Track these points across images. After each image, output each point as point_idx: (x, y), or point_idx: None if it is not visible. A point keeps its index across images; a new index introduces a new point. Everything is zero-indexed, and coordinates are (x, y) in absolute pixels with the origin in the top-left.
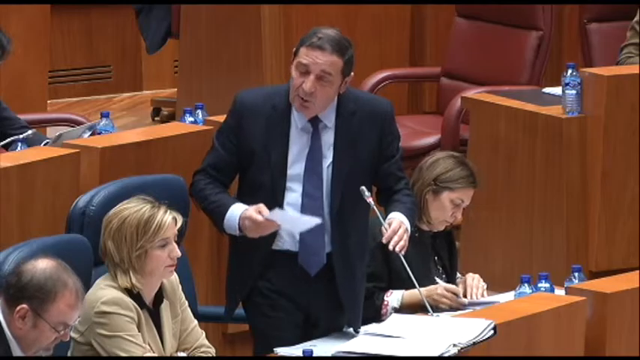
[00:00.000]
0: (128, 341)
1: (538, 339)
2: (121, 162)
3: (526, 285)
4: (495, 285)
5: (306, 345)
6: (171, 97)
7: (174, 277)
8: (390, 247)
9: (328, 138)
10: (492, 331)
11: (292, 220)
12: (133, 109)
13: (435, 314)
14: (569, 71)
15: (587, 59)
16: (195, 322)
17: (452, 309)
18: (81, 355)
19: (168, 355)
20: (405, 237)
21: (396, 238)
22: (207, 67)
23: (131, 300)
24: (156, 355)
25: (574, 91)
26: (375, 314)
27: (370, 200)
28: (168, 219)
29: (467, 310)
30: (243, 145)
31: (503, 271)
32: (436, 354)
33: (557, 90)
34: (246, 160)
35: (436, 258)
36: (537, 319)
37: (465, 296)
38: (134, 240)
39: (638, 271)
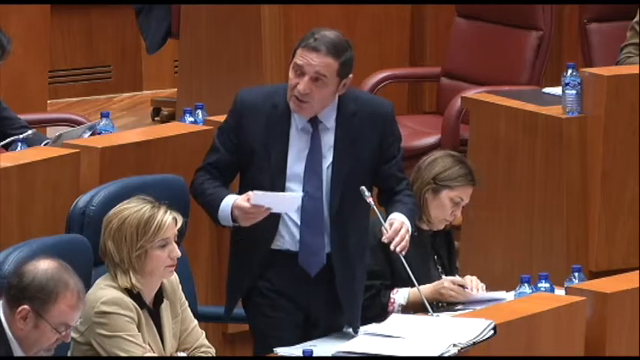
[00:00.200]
0: (128, 341)
1: (538, 339)
2: (121, 162)
3: (526, 285)
4: (495, 285)
5: (306, 345)
6: (171, 97)
7: (175, 277)
8: (392, 247)
9: (328, 139)
10: (492, 331)
11: (276, 199)
12: (133, 109)
13: (435, 314)
14: (569, 71)
15: (587, 59)
16: (196, 322)
17: (459, 303)
18: (81, 355)
19: (168, 355)
20: (407, 238)
21: (397, 239)
22: (207, 67)
23: (131, 300)
24: (156, 355)
25: (574, 91)
26: (382, 312)
27: (370, 200)
28: (169, 219)
29: (467, 310)
30: (243, 144)
31: (503, 271)
32: (436, 354)
33: (557, 90)
34: (246, 159)
35: (435, 257)
36: (537, 319)
37: None
38: (134, 240)
39: (638, 271)
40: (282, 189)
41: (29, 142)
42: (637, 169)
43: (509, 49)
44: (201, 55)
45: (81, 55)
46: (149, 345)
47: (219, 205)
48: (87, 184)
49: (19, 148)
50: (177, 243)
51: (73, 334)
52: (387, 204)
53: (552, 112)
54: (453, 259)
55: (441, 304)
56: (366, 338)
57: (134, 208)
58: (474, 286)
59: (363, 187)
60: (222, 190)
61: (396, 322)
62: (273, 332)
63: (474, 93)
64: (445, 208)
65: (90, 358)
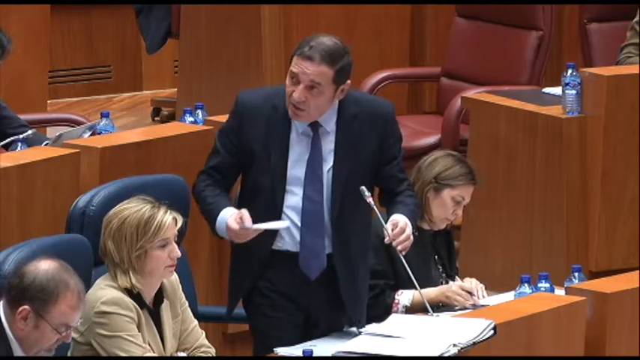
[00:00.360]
0: (128, 341)
1: (538, 339)
2: (121, 162)
3: (526, 285)
4: (495, 285)
5: (306, 345)
6: (171, 97)
7: (175, 277)
8: (395, 244)
9: (329, 142)
10: (492, 331)
11: (265, 225)
12: (133, 109)
13: (435, 314)
14: (569, 71)
15: (587, 59)
16: (196, 322)
17: (463, 308)
18: (81, 355)
19: (168, 355)
20: (411, 238)
21: (403, 237)
22: (207, 67)
23: (131, 300)
24: (156, 355)
25: (574, 91)
26: (386, 312)
27: (370, 200)
28: (169, 219)
29: (467, 310)
30: (243, 145)
31: (503, 271)
32: (436, 354)
33: (557, 90)
34: (247, 161)
35: (436, 257)
36: (537, 319)
37: None
38: (134, 240)
39: (638, 271)
40: (283, 192)
41: (29, 142)
42: (637, 169)
43: (509, 49)
44: (201, 55)
45: (81, 55)
46: (149, 345)
47: (216, 217)
48: (87, 184)
49: (19, 148)
50: (178, 243)
51: (73, 334)
52: (389, 204)
53: (552, 112)
54: (452, 259)
55: (441, 305)
56: (366, 338)
57: (134, 208)
58: (475, 289)
59: (363, 187)
60: (221, 201)
61: (396, 322)
62: (273, 332)
63: (474, 93)
64: (447, 207)
65: (90, 358)
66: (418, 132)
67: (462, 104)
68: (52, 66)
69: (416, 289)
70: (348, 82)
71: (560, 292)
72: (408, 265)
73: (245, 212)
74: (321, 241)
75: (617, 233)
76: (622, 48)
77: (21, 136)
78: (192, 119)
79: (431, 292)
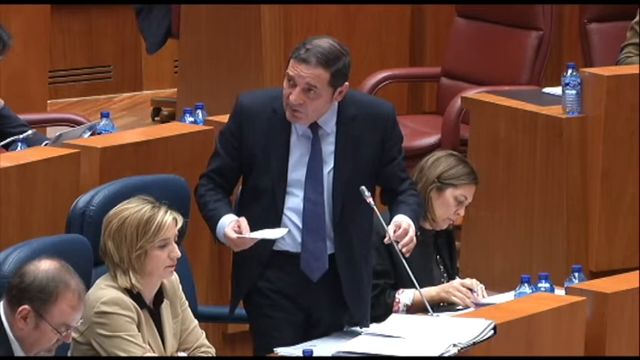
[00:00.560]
0: (128, 341)
1: (538, 339)
2: (121, 162)
3: (526, 285)
4: (495, 285)
5: (306, 345)
6: (171, 97)
7: (175, 277)
8: (399, 246)
9: (329, 144)
10: (492, 331)
11: (263, 233)
12: (133, 109)
13: (435, 314)
14: (569, 71)
15: (587, 59)
16: (196, 322)
17: (464, 307)
18: (81, 355)
19: (168, 355)
20: (414, 240)
21: (407, 239)
22: (207, 67)
23: (131, 300)
24: (156, 355)
25: (574, 91)
26: (386, 312)
27: (370, 200)
28: (169, 219)
29: (467, 310)
30: (244, 147)
31: (503, 271)
32: (436, 354)
33: (557, 90)
34: (248, 163)
35: (438, 257)
36: (537, 319)
37: None
38: (134, 240)
39: (638, 271)
40: (284, 194)
41: (29, 142)
42: (637, 169)
43: (509, 49)
44: (201, 55)
45: (81, 55)
46: (149, 345)
47: (216, 224)
48: (87, 184)
49: (19, 148)
50: (178, 243)
51: (73, 334)
52: (391, 204)
53: (552, 112)
54: (454, 259)
55: (442, 304)
56: (366, 338)
57: (134, 208)
58: (479, 292)
59: (363, 188)
60: (222, 207)
61: (396, 322)
62: (273, 332)
63: (474, 93)
64: (449, 207)
65: (90, 358)
66: (418, 132)
67: (462, 104)
68: (52, 66)
69: (416, 289)
70: (346, 84)
71: (560, 292)
72: (410, 265)
73: (243, 220)
74: (322, 244)
75: (617, 233)
76: (622, 48)
77: (21, 136)
78: (192, 119)
79: (431, 290)
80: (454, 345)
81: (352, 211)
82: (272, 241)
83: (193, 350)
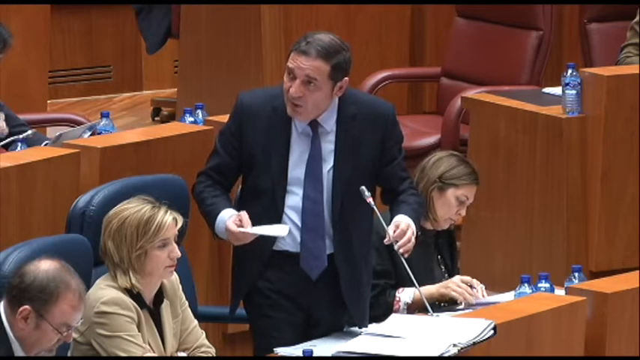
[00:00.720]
0: (128, 341)
1: (538, 339)
2: (121, 162)
3: (526, 285)
4: (495, 285)
5: (306, 345)
6: (171, 97)
7: (175, 276)
8: (396, 247)
9: (329, 142)
10: (492, 331)
11: (264, 230)
12: (133, 109)
13: (435, 314)
14: (569, 71)
15: (587, 59)
16: (196, 322)
17: (464, 307)
18: (81, 355)
19: (168, 355)
20: (413, 240)
21: (404, 239)
22: (207, 67)
23: (131, 300)
24: (156, 355)
25: (574, 91)
26: (387, 311)
27: (370, 200)
28: (169, 219)
29: (467, 310)
30: (244, 146)
31: (503, 271)
32: (436, 354)
33: (557, 90)
34: (247, 162)
35: (439, 257)
36: (537, 319)
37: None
38: (134, 240)
39: (638, 271)
40: (284, 192)
41: (29, 142)
42: (637, 169)
43: (509, 49)
44: (201, 55)
45: (81, 55)
46: (149, 345)
47: (215, 218)
48: (87, 184)
49: (19, 148)
50: (178, 243)
51: (74, 334)
52: (392, 204)
53: (552, 112)
54: (455, 259)
55: (442, 304)
56: (366, 338)
57: (134, 208)
58: (479, 292)
59: (363, 187)
60: (221, 202)
61: (396, 322)
62: (273, 332)
63: (474, 93)
64: (451, 207)
65: (90, 358)
66: (418, 132)
67: (462, 104)
68: (52, 66)
69: (417, 289)
70: (346, 78)
71: (560, 292)
72: (411, 265)
73: (244, 214)
74: (322, 242)
75: (617, 233)
76: (622, 48)
77: (21, 136)
78: (192, 119)
79: (431, 288)
80: (454, 345)
81: (352, 210)
82: (272, 240)
83: (193, 350)
